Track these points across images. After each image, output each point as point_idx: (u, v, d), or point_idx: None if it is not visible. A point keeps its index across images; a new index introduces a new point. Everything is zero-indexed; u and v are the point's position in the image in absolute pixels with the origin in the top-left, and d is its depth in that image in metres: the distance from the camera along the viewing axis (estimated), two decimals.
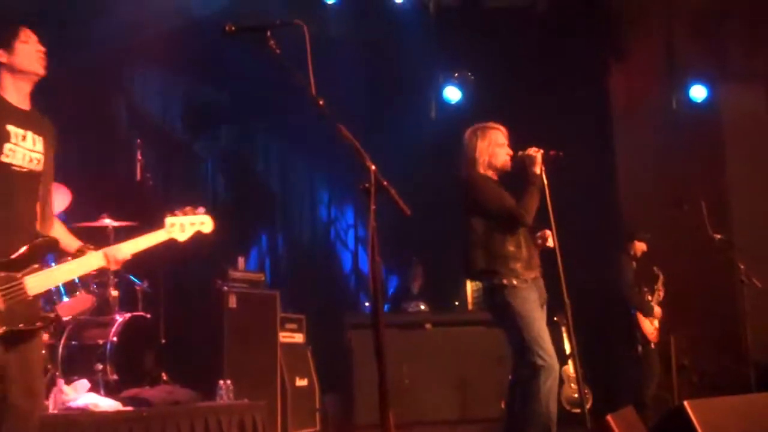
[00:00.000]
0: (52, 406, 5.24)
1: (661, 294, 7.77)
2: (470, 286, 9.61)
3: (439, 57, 9.45)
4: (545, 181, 4.83)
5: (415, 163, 9.37)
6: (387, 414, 2.91)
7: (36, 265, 3.48)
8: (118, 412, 5.25)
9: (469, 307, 9.49)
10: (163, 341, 6.72)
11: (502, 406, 6.90)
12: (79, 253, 3.74)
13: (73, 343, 6.10)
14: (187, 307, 7.44)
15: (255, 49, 3.24)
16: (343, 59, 8.60)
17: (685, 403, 3.40)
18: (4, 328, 3.33)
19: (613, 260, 7.63)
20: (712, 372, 8.26)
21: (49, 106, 3.79)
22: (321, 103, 3.16)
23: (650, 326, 7.50)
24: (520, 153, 4.97)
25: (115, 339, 6.05)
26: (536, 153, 4.88)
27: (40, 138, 3.64)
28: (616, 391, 7.99)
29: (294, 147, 10.15)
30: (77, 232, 6.11)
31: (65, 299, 6.12)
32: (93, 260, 3.73)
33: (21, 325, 3.40)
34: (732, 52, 8.96)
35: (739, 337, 7.36)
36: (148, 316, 6.54)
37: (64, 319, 6.22)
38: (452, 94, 9.63)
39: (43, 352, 3.81)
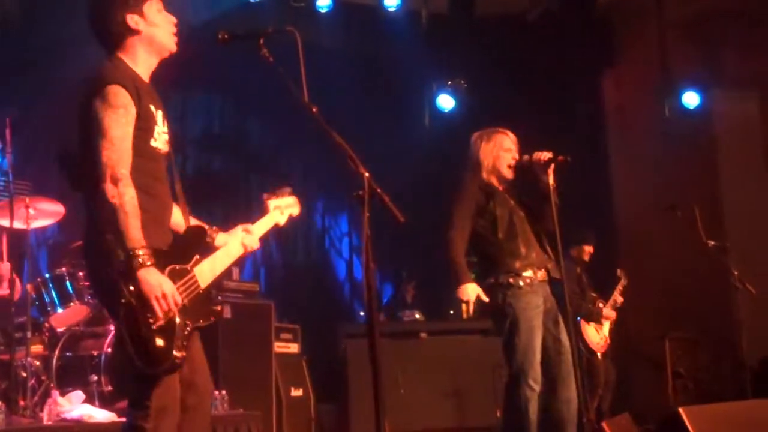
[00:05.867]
0: (46, 418, 5.22)
1: (618, 299, 7.68)
2: None
3: (432, 65, 9.44)
4: (552, 189, 4.66)
5: (408, 170, 9.37)
6: (382, 424, 2.90)
7: (197, 256, 3.21)
8: (112, 423, 5.22)
9: (464, 315, 9.47)
10: None
11: (498, 414, 6.90)
12: (210, 239, 3.35)
13: (68, 354, 6.08)
14: None
15: (248, 56, 3.24)
16: (336, 67, 8.60)
17: (680, 409, 3.40)
18: (190, 325, 3.08)
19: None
20: (707, 378, 8.25)
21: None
22: (314, 110, 3.16)
23: (596, 335, 7.36)
24: (526, 157, 4.85)
25: (109, 350, 6.02)
26: (544, 159, 4.69)
27: (164, 114, 3.29)
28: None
29: (288, 155, 10.13)
30: (75, 251, 6.09)
31: (59, 310, 6.11)
32: (236, 248, 3.40)
33: (201, 321, 3.16)
34: (725, 59, 8.97)
35: (735, 344, 7.35)
36: None
37: (59, 330, 6.20)
38: (445, 102, 9.63)
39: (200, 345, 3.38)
